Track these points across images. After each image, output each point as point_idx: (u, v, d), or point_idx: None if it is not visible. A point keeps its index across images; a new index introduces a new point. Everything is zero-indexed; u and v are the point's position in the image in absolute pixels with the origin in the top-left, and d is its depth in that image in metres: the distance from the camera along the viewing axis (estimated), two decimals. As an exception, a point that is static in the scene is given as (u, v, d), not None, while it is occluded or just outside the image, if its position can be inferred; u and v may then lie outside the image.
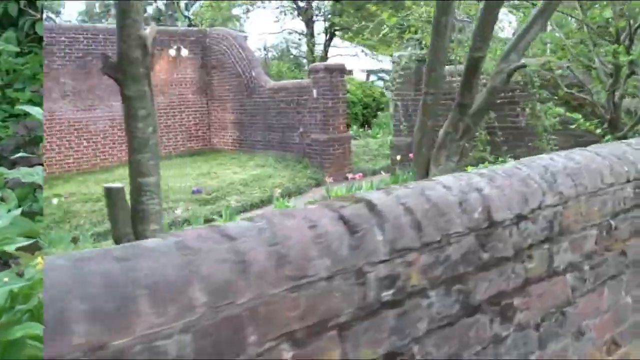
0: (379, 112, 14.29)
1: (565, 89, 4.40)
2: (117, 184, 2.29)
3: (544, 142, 4.69)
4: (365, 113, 13.92)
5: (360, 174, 8.31)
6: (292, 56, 18.19)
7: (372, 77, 19.32)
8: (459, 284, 1.14)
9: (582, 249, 1.48)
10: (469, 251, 1.17)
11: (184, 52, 12.80)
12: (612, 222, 1.60)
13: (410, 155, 6.51)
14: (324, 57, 17.17)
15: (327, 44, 17.54)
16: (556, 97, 4.56)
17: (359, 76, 19.40)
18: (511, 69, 2.83)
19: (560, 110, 4.05)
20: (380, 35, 6.41)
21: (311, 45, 17.07)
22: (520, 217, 1.30)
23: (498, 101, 5.49)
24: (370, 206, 1.05)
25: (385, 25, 5.72)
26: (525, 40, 2.82)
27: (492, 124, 5.76)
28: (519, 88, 5.59)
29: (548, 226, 1.37)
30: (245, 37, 21.13)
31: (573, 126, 3.91)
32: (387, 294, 1.01)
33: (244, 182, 8.81)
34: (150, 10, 35.34)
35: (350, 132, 11.04)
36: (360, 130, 13.13)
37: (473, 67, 2.71)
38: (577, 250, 1.46)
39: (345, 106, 10.04)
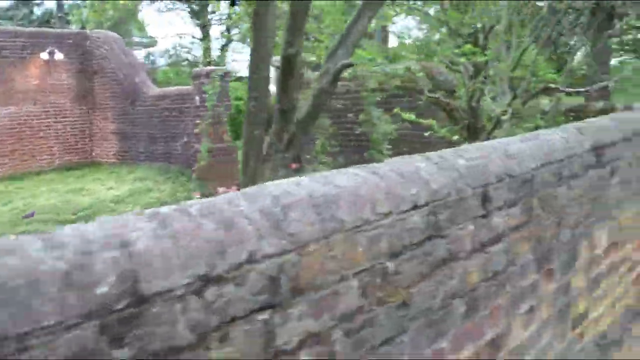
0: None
1: (428, 94, 4.15)
2: None
3: (381, 150, 4.42)
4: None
5: (234, 187, 7.78)
6: (186, 62, 17.34)
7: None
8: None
9: (335, 309, 1.07)
10: (76, 353, 0.71)
11: (58, 55, 11.70)
12: (389, 265, 1.21)
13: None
14: (221, 63, 16.48)
15: (223, 49, 16.88)
16: (419, 102, 4.30)
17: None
18: (337, 69, 2.45)
19: (412, 115, 3.79)
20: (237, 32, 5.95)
21: (206, 50, 16.34)
22: (207, 280, 0.86)
23: (339, 106, 5.20)
24: None
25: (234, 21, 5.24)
26: (351, 38, 2.46)
27: (330, 132, 5.46)
28: (353, 93, 5.31)
29: (268, 286, 0.94)
30: (156, 42, 19.92)
31: (427, 134, 3.64)
32: None
33: (118, 199, 8.02)
34: (38, 11, 32.87)
35: (240, 142, 10.50)
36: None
37: (287, 66, 2.29)
38: (325, 313, 1.05)
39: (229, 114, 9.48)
